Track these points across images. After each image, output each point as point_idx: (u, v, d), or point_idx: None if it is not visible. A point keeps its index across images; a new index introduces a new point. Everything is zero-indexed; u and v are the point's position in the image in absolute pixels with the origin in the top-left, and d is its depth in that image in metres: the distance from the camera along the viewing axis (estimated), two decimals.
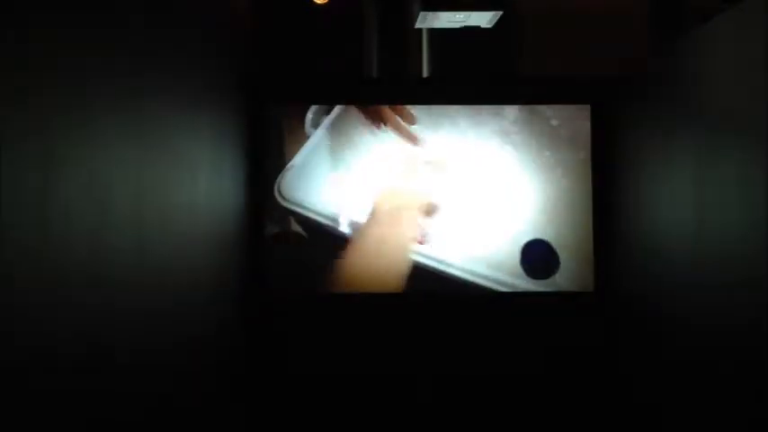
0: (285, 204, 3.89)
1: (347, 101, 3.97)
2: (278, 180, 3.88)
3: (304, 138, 3.93)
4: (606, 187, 3.94)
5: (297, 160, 3.88)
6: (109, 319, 1.93)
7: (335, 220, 3.87)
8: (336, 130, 3.91)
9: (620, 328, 3.81)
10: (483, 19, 3.45)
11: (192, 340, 2.74)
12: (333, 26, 4.19)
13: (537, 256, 3.88)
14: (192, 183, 2.79)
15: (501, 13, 3.38)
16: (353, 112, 3.94)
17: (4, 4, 1.42)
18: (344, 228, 3.85)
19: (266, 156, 3.93)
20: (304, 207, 3.88)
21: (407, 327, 3.97)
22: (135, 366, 2.13)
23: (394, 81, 4.23)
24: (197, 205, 2.87)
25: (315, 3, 4.14)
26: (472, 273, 3.90)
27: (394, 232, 3.87)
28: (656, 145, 3.32)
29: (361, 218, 3.88)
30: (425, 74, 4.31)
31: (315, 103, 3.95)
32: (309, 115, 3.90)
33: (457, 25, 3.53)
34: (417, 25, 3.56)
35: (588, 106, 3.99)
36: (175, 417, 2.53)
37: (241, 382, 3.71)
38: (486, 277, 3.90)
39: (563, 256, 3.92)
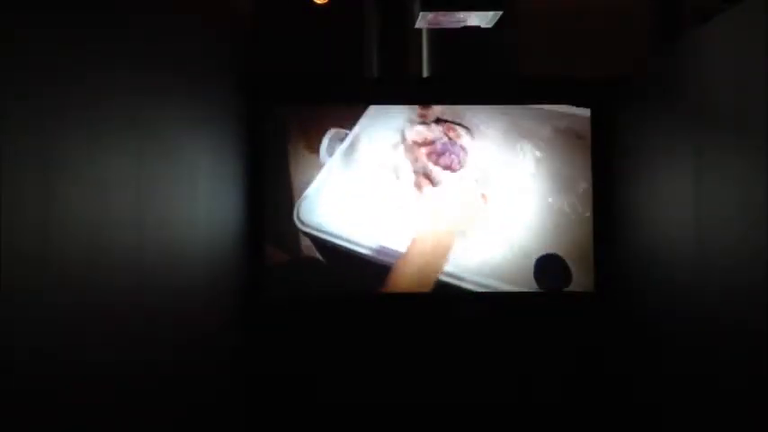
0: (304, 229, 3.88)
1: (347, 101, 3.97)
2: (296, 205, 3.89)
3: (304, 138, 3.92)
4: (606, 187, 3.94)
5: (314, 185, 3.89)
6: (109, 320, 1.93)
7: (361, 245, 3.87)
8: (353, 153, 3.90)
9: (620, 329, 3.81)
10: (483, 19, 3.45)
11: (191, 342, 2.74)
12: (333, 26, 4.19)
13: (551, 271, 3.88)
14: (191, 183, 2.79)
15: (501, 13, 3.38)
16: (370, 133, 3.92)
17: (5, 4, 1.42)
18: (375, 252, 3.86)
19: (265, 157, 3.92)
20: (324, 231, 3.89)
21: (407, 327, 3.96)
22: (135, 366, 2.13)
23: (394, 81, 4.23)
24: (197, 206, 2.87)
25: (315, 3, 4.14)
26: (474, 275, 3.90)
27: (437, 258, 3.89)
28: (656, 145, 3.32)
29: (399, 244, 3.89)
30: (425, 74, 4.31)
31: (314, 103, 3.95)
32: (325, 142, 3.90)
33: (457, 25, 3.53)
34: (417, 25, 3.55)
35: (588, 105, 3.98)
36: (175, 417, 2.54)
37: (241, 385, 3.70)
38: (486, 285, 3.91)
39: (563, 255, 3.92)
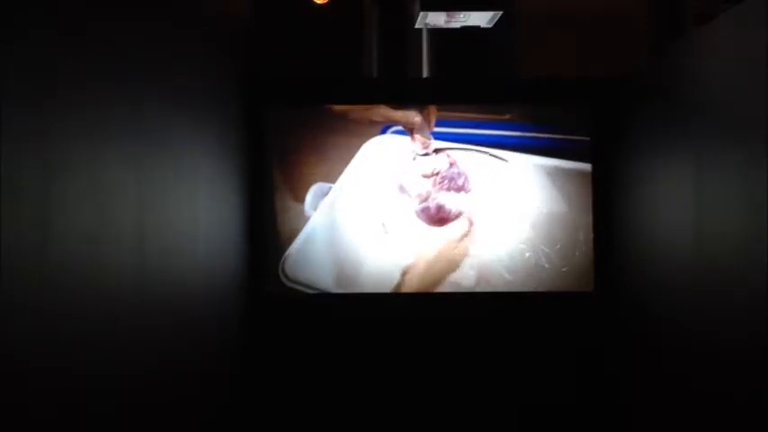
0: (290, 285, 3.89)
1: (347, 101, 3.96)
2: (281, 262, 3.88)
3: (302, 141, 3.92)
4: (606, 187, 3.94)
5: (299, 242, 3.88)
6: (109, 321, 1.93)
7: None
8: (339, 206, 3.89)
9: (620, 329, 3.81)
10: (483, 19, 3.45)
11: (191, 344, 2.73)
12: (333, 26, 4.19)
13: None
14: (191, 184, 2.79)
15: (501, 13, 3.38)
16: (352, 185, 3.89)
17: (4, 6, 1.42)
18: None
19: (264, 157, 3.92)
20: (310, 286, 3.90)
21: (407, 327, 3.96)
22: (134, 366, 2.12)
23: (394, 81, 4.22)
24: (197, 207, 2.87)
25: (315, 3, 4.14)
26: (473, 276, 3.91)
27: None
28: (657, 145, 3.32)
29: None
30: (425, 74, 4.31)
31: (315, 104, 3.94)
32: (308, 198, 3.89)
33: (457, 25, 3.53)
34: (417, 25, 3.55)
35: (588, 106, 3.98)
36: (175, 419, 2.53)
37: (241, 384, 3.70)
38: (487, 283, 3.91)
39: (563, 255, 3.92)
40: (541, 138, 3.91)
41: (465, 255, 3.89)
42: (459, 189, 3.86)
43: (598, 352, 3.94)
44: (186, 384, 2.67)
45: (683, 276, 3.00)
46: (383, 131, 3.92)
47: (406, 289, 3.90)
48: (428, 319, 3.96)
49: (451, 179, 3.85)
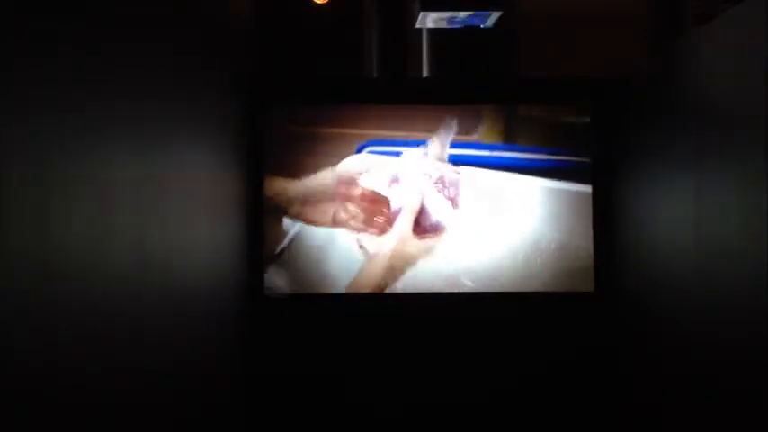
0: (273, 295, 3.91)
1: (347, 101, 3.97)
2: (266, 276, 3.90)
3: (301, 139, 3.92)
4: (606, 187, 3.94)
5: (282, 251, 3.89)
6: (109, 321, 1.93)
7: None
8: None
9: (620, 329, 3.81)
10: (483, 19, 3.45)
11: (191, 343, 2.74)
12: (333, 26, 4.19)
13: None
14: (192, 183, 2.79)
15: (501, 13, 3.38)
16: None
17: (4, 7, 1.42)
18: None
19: (264, 155, 3.92)
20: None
21: (408, 327, 3.96)
22: (134, 366, 2.12)
23: (394, 81, 4.22)
24: (197, 205, 2.87)
25: (315, 3, 4.14)
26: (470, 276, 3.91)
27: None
28: (656, 145, 3.32)
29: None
30: (425, 74, 4.31)
31: (315, 104, 3.95)
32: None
33: (457, 25, 3.54)
34: (417, 25, 3.56)
35: (588, 106, 3.98)
36: (175, 419, 2.54)
37: (241, 384, 3.71)
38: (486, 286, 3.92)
39: (563, 255, 3.92)
40: (541, 158, 3.92)
41: (436, 259, 3.91)
42: (452, 199, 3.87)
43: (598, 352, 3.94)
44: (186, 384, 2.67)
45: (683, 276, 3.00)
46: (359, 151, 3.92)
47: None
48: (430, 319, 3.96)
49: (446, 185, 3.87)
